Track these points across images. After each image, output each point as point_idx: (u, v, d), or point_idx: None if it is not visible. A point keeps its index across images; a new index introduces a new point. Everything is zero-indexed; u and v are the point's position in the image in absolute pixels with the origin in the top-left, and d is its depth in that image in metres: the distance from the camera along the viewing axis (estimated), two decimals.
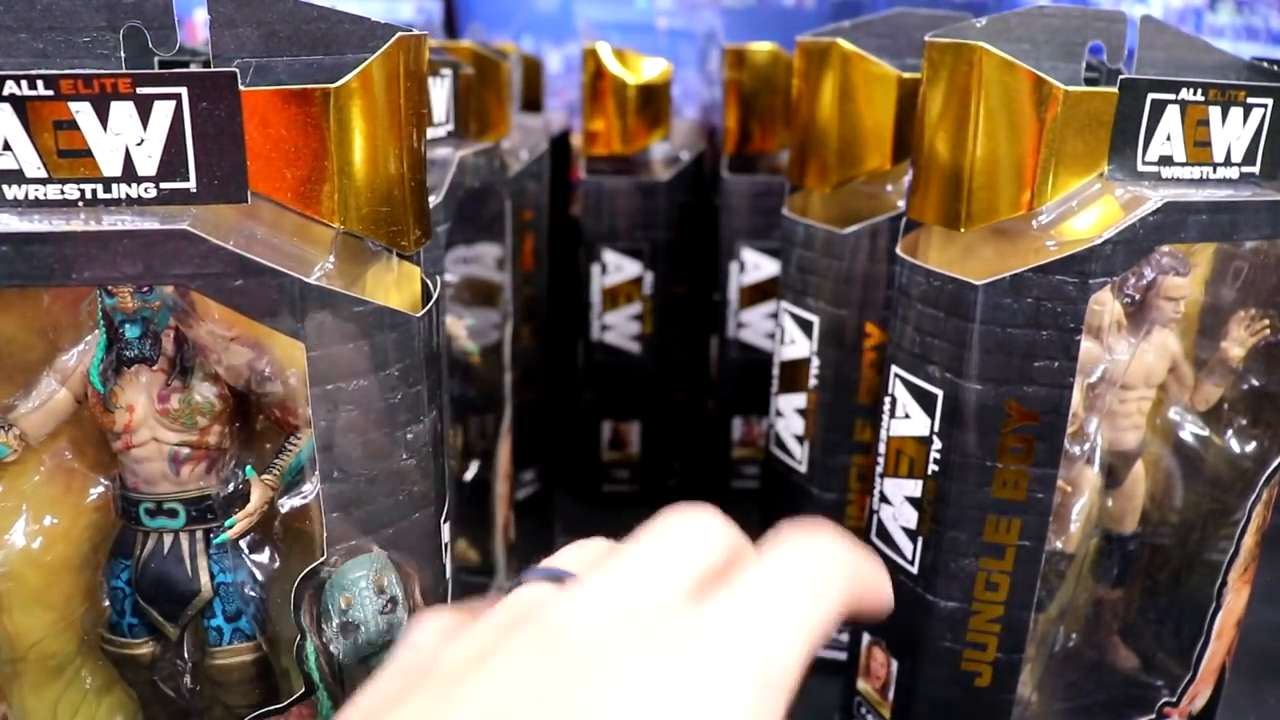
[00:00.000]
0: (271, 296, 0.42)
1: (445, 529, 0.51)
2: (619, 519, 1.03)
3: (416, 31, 0.46)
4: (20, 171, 0.41)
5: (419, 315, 0.46)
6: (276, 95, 0.42)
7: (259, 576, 0.52)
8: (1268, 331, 0.65)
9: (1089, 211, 0.55)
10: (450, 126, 0.70)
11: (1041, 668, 0.70)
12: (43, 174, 0.41)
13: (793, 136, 0.76)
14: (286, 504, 0.51)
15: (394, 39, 0.44)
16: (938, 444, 0.59)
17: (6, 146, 0.40)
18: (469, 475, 0.83)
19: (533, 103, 1.24)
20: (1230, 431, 0.68)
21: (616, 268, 1.04)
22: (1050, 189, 0.54)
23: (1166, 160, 0.56)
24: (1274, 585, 0.90)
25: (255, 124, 0.42)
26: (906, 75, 0.69)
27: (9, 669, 0.51)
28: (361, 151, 0.44)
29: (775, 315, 0.79)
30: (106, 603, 0.52)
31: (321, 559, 0.46)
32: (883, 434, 0.64)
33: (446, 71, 0.68)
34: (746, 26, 1.88)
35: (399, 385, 0.46)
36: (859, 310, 0.74)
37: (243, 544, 0.52)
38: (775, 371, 0.80)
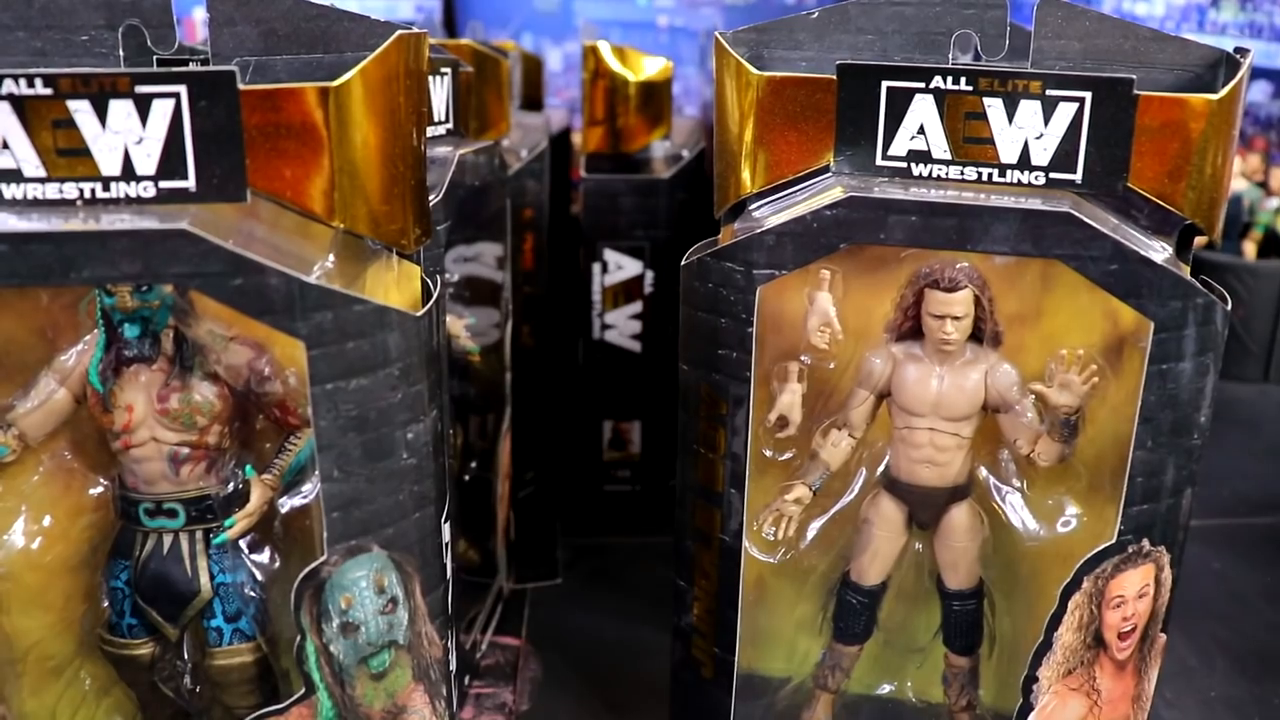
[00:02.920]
0: (271, 296, 0.42)
1: (446, 529, 0.51)
2: (619, 519, 1.03)
3: (416, 30, 0.46)
4: (18, 171, 0.40)
5: (419, 314, 0.46)
6: (276, 93, 0.42)
7: (259, 577, 0.52)
8: (1096, 379, 0.54)
9: (798, 204, 0.52)
10: (450, 125, 0.70)
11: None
12: (41, 173, 0.41)
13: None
14: (286, 504, 0.51)
15: (393, 37, 0.44)
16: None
17: (5, 145, 0.40)
18: (469, 475, 0.83)
19: (533, 101, 1.24)
20: (1050, 501, 0.58)
21: (617, 266, 1.04)
22: (754, 179, 0.53)
23: (921, 157, 0.51)
24: (1274, 585, 0.89)
25: (254, 123, 0.42)
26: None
27: (7, 670, 0.51)
28: (361, 150, 0.44)
29: None
30: (105, 603, 0.52)
31: (321, 559, 0.46)
32: None
33: (446, 70, 0.68)
34: (747, 24, 1.88)
35: (399, 385, 0.46)
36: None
37: (242, 544, 0.52)
38: None
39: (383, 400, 0.45)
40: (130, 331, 0.48)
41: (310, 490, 0.50)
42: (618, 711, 0.72)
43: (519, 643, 0.79)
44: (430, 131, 0.65)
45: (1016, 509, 0.60)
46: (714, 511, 0.59)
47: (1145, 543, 0.54)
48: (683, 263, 0.55)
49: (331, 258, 0.45)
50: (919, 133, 0.51)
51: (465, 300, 0.84)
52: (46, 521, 0.51)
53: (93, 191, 0.41)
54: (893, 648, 0.64)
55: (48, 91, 0.40)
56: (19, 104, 0.40)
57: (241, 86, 0.41)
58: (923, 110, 0.50)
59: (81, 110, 0.40)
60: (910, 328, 0.57)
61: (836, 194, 0.51)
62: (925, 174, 0.51)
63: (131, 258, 0.40)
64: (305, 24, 0.44)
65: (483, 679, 0.74)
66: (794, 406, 0.58)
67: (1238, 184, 1.76)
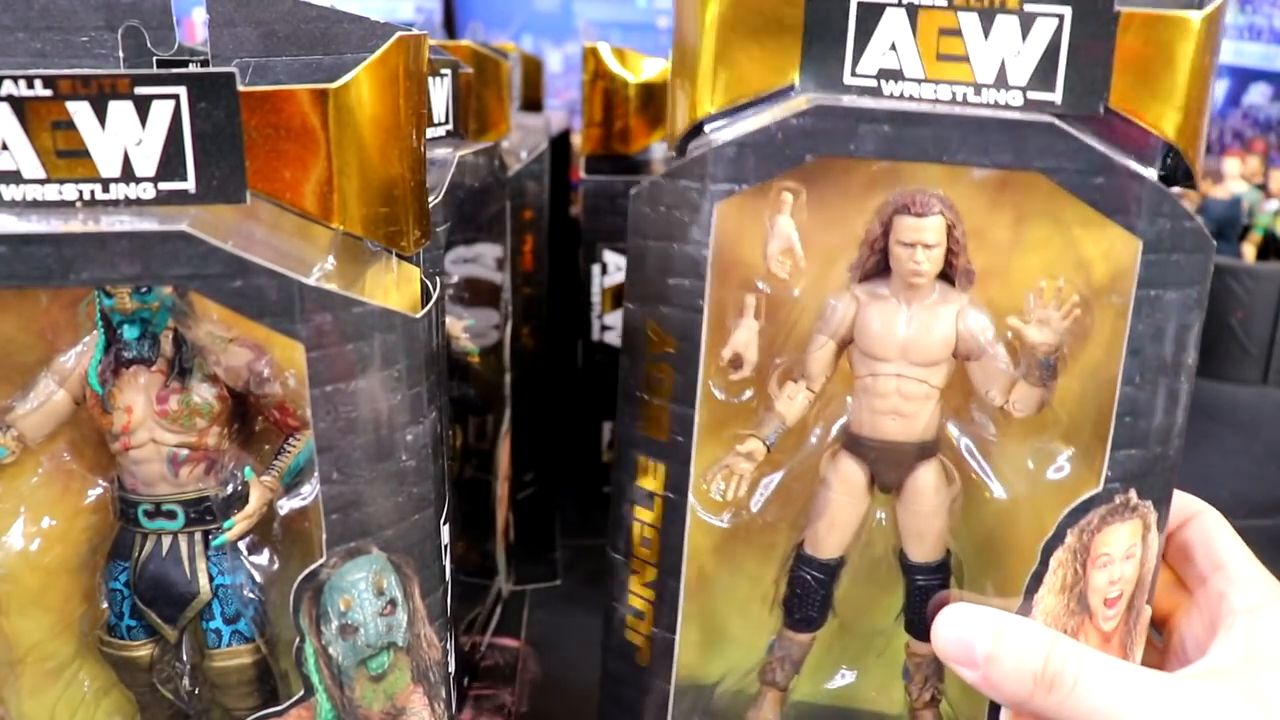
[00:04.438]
0: (270, 297, 0.42)
1: (445, 530, 0.51)
2: None
3: (416, 31, 0.46)
4: (18, 172, 0.40)
5: (419, 316, 0.46)
6: (275, 95, 0.42)
7: (258, 578, 0.52)
8: (1079, 310, 0.51)
9: (760, 120, 0.49)
10: (449, 126, 0.70)
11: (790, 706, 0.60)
12: (41, 174, 0.41)
13: None
14: (285, 505, 0.51)
15: (393, 39, 0.44)
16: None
17: (4, 147, 0.40)
18: (468, 476, 0.83)
19: (532, 102, 1.24)
20: (1028, 451, 0.55)
21: (617, 267, 1.04)
22: (714, 98, 0.50)
23: (893, 75, 0.48)
24: None
25: (254, 124, 0.42)
26: None
27: (7, 671, 0.51)
28: (361, 152, 0.44)
29: None
30: (105, 605, 0.52)
31: (321, 561, 0.46)
32: None
33: (446, 71, 0.68)
34: None
35: (399, 386, 0.46)
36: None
37: (242, 546, 0.51)
38: None
39: (382, 402, 0.45)
40: (129, 333, 0.48)
41: (309, 492, 0.50)
42: None
43: (518, 644, 0.79)
44: (430, 133, 0.65)
45: (990, 464, 0.56)
46: (657, 466, 0.53)
47: (1133, 494, 0.51)
48: (632, 191, 0.51)
49: (331, 259, 0.45)
50: (890, 49, 0.48)
51: (465, 301, 0.84)
52: (46, 523, 0.51)
53: (92, 193, 0.41)
54: (850, 635, 0.59)
55: (47, 93, 0.40)
56: (19, 105, 0.40)
57: (241, 88, 0.41)
58: (894, 25, 0.48)
59: (81, 112, 0.40)
60: (876, 264, 0.53)
61: (803, 103, 0.48)
62: (897, 93, 0.48)
63: (131, 259, 0.40)
64: (305, 25, 0.44)
65: (482, 680, 0.74)
66: (750, 344, 0.53)
67: (1237, 186, 1.76)
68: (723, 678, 0.60)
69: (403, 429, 0.47)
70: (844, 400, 0.56)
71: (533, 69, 1.26)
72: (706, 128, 0.51)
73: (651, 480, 0.54)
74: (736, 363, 0.54)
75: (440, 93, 0.67)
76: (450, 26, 1.90)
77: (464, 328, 0.78)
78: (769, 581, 0.58)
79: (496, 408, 0.86)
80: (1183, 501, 0.57)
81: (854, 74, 0.49)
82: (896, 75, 0.48)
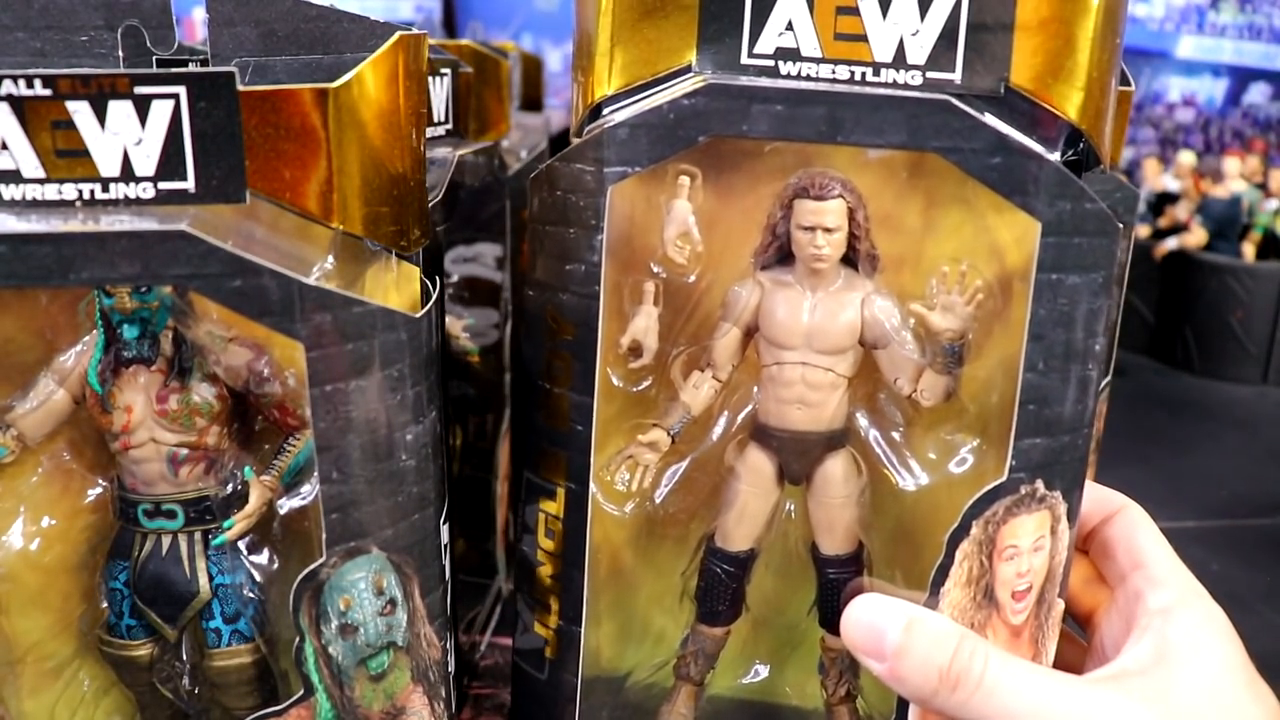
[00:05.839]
0: (270, 297, 0.42)
1: (445, 530, 0.51)
2: None
3: (415, 31, 0.46)
4: (18, 172, 0.40)
5: (418, 315, 0.46)
6: (275, 95, 0.42)
7: (258, 578, 0.52)
8: (981, 295, 0.50)
9: (653, 100, 0.49)
10: (449, 125, 0.70)
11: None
12: (40, 174, 0.41)
13: None
14: (285, 505, 0.51)
15: (393, 38, 0.44)
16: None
17: (4, 146, 0.40)
18: (467, 476, 0.83)
19: (532, 102, 1.24)
20: (934, 441, 0.54)
21: None
22: (611, 80, 0.49)
23: (790, 55, 0.48)
24: (1273, 587, 0.90)
25: (254, 124, 0.42)
26: None
27: (7, 671, 0.51)
28: (360, 151, 0.44)
29: None
30: (104, 604, 0.52)
31: (320, 560, 0.46)
32: None
33: (446, 70, 0.68)
34: None
35: (398, 386, 0.46)
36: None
37: (241, 545, 0.51)
38: None
39: (381, 402, 0.45)
40: (129, 332, 0.48)
41: (309, 492, 0.50)
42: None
43: None
44: (430, 132, 0.65)
45: (897, 454, 0.55)
46: (558, 456, 0.52)
47: (1040, 484, 0.49)
48: (530, 177, 0.51)
49: (331, 259, 0.45)
50: (787, 28, 0.47)
51: (464, 301, 0.84)
52: (45, 522, 0.51)
53: (92, 192, 0.41)
54: (765, 629, 0.58)
55: (47, 92, 0.40)
56: (18, 105, 0.40)
57: (241, 87, 0.41)
58: (791, 3, 0.47)
59: (81, 111, 0.40)
60: (779, 250, 0.52)
61: (696, 83, 0.47)
62: (794, 73, 0.47)
63: (131, 259, 0.40)
64: (305, 25, 0.44)
65: (482, 680, 0.74)
66: (649, 331, 0.52)
67: (1237, 185, 1.76)
68: (632, 671, 0.58)
69: (402, 429, 0.47)
70: (750, 389, 0.55)
71: (533, 68, 1.26)
72: (604, 110, 0.50)
73: (553, 471, 0.53)
74: (636, 350, 0.53)
75: (440, 92, 0.67)
76: (450, 26, 1.90)
77: (464, 327, 0.78)
78: (680, 574, 0.57)
79: (496, 407, 0.86)
80: (1105, 495, 0.56)
81: (751, 54, 0.48)
82: (794, 55, 0.47)
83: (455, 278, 0.83)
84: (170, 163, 0.41)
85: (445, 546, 0.51)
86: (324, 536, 0.46)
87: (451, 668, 0.53)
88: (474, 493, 0.83)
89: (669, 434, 0.54)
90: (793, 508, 0.57)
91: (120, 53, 0.44)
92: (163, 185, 0.42)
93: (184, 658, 0.53)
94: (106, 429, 0.49)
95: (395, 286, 0.48)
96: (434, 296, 0.49)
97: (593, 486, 0.52)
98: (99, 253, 0.40)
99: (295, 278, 0.42)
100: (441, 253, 0.64)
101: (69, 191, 0.41)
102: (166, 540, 0.51)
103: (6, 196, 0.41)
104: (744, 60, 0.48)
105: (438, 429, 0.50)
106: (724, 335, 0.53)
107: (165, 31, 0.45)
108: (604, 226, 0.49)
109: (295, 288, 0.42)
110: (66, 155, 0.41)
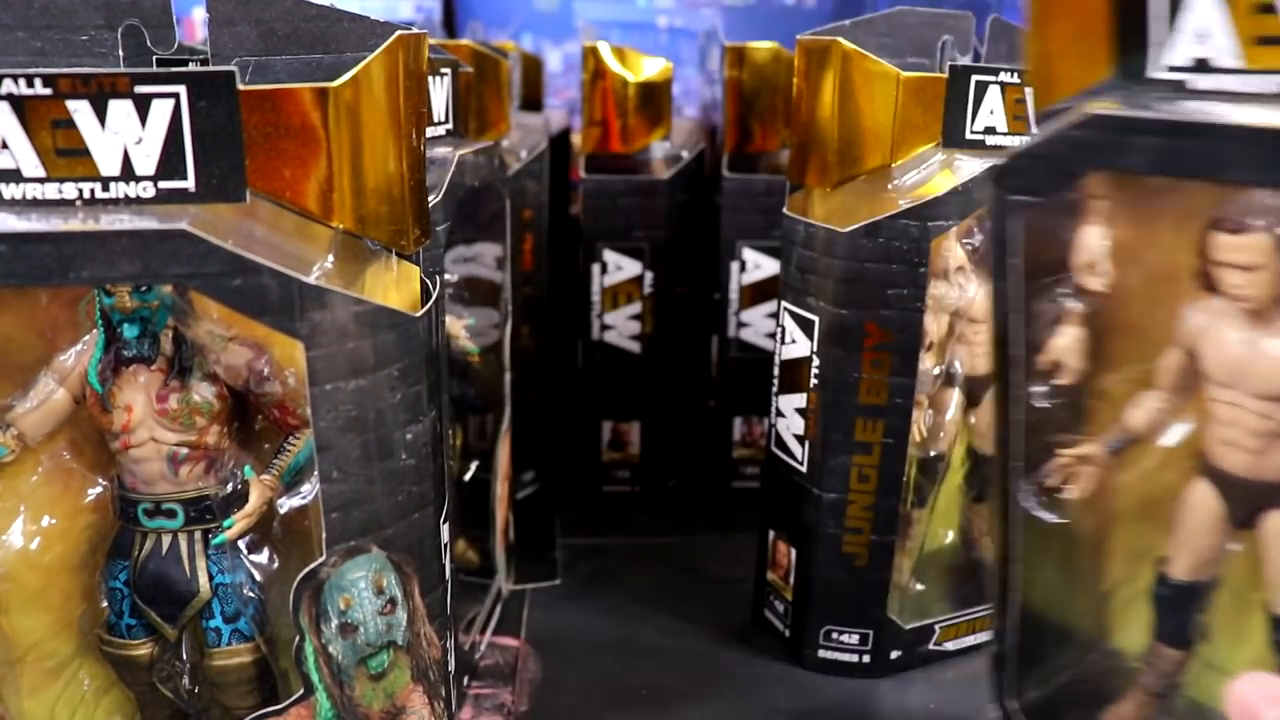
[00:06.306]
0: (270, 296, 0.42)
1: (445, 529, 0.51)
2: (619, 519, 1.02)
3: (416, 30, 0.46)
4: (18, 171, 0.40)
5: (418, 315, 0.46)
6: (275, 94, 0.42)
7: (258, 577, 0.52)
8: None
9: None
10: (449, 125, 0.70)
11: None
12: (40, 173, 0.41)
13: (793, 135, 0.76)
14: (285, 504, 0.51)
15: (393, 38, 0.44)
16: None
17: (4, 145, 0.40)
18: (468, 475, 0.83)
19: (532, 101, 1.24)
20: None
21: (616, 267, 1.04)
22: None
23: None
24: None
25: (254, 123, 0.42)
26: (906, 74, 0.69)
27: (6, 670, 0.51)
28: (360, 151, 0.44)
29: (776, 315, 0.79)
30: (105, 603, 0.52)
31: (320, 559, 0.46)
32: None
33: (445, 70, 0.68)
34: (747, 25, 1.88)
35: (398, 385, 0.46)
36: (859, 309, 0.74)
37: (241, 544, 0.52)
38: (776, 371, 0.80)
39: (382, 401, 0.45)
40: (129, 332, 0.48)
41: (309, 491, 0.50)
42: (617, 711, 0.72)
43: (518, 643, 0.79)
44: (430, 132, 0.65)
45: None
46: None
47: None
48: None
49: (331, 258, 0.45)
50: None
51: (465, 301, 0.84)
52: (45, 521, 0.51)
53: (92, 191, 0.41)
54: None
55: (47, 91, 0.40)
56: (18, 104, 0.40)
57: (241, 87, 0.41)
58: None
59: (81, 110, 0.40)
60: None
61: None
62: (18, 196, 0.41)
63: (131, 258, 0.40)
64: (305, 24, 0.44)
65: (481, 679, 0.74)
66: (1070, 351, 0.51)
67: None
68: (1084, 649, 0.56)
69: (402, 428, 0.47)
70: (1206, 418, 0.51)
71: (533, 68, 1.26)
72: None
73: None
74: (1054, 368, 0.50)
75: (440, 92, 0.67)
76: (450, 25, 1.90)
77: (464, 327, 0.78)
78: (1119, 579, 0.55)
79: (496, 407, 0.86)
80: None
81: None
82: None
83: (455, 277, 0.83)
84: (170, 162, 0.41)
85: (445, 546, 0.51)
86: (324, 535, 0.46)
87: (451, 667, 0.54)
88: (474, 492, 0.83)
89: (1107, 449, 0.52)
90: (1243, 549, 0.52)
91: (120, 52, 0.44)
92: (163, 184, 0.42)
93: (184, 657, 0.53)
94: (106, 428, 0.49)
95: (395, 286, 0.48)
96: (434, 296, 0.49)
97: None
98: (99, 252, 0.40)
99: (295, 277, 0.42)
100: (442, 252, 0.64)
101: (69, 190, 0.41)
102: (166, 539, 0.51)
103: (7, 195, 0.41)
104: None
105: (438, 428, 0.50)
106: (1168, 359, 0.50)
107: (165, 31, 0.45)
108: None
109: (295, 287, 0.42)
110: (67, 154, 0.41)
